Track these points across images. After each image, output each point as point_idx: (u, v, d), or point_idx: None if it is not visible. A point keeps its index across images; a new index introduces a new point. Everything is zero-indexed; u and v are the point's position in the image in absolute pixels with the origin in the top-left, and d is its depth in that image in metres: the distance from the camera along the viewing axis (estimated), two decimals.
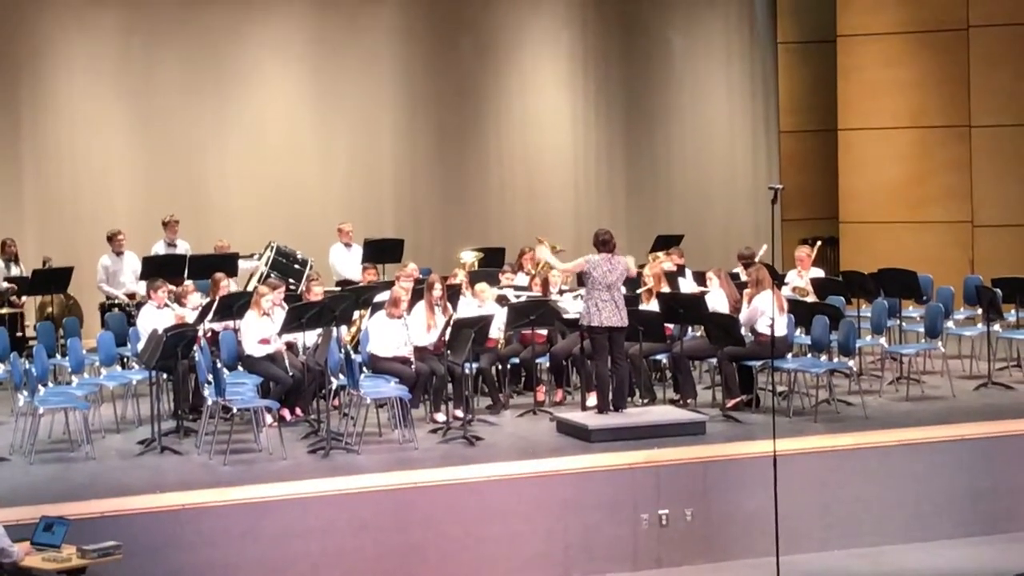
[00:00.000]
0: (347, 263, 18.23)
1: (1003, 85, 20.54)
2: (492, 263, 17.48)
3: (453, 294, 15.35)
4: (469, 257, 17.01)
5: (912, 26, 21.07)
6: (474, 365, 14.63)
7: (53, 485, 12.31)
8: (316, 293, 14.89)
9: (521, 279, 16.59)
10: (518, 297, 15.59)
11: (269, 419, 13.76)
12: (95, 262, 17.58)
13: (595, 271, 13.71)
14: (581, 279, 14.57)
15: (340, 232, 18.43)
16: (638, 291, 15.19)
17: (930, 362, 16.52)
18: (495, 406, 14.89)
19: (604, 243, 13.89)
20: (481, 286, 15.40)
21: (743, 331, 14.54)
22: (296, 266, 17.06)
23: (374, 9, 20.90)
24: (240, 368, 14.43)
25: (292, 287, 16.17)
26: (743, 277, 16.00)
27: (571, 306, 15.06)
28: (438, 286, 14.70)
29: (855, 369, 15.34)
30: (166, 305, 14.99)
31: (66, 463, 13.12)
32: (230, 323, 14.78)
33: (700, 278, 16.24)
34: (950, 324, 16.53)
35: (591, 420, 13.65)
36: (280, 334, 14.14)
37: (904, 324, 16.97)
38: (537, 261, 16.86)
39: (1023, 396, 15.32)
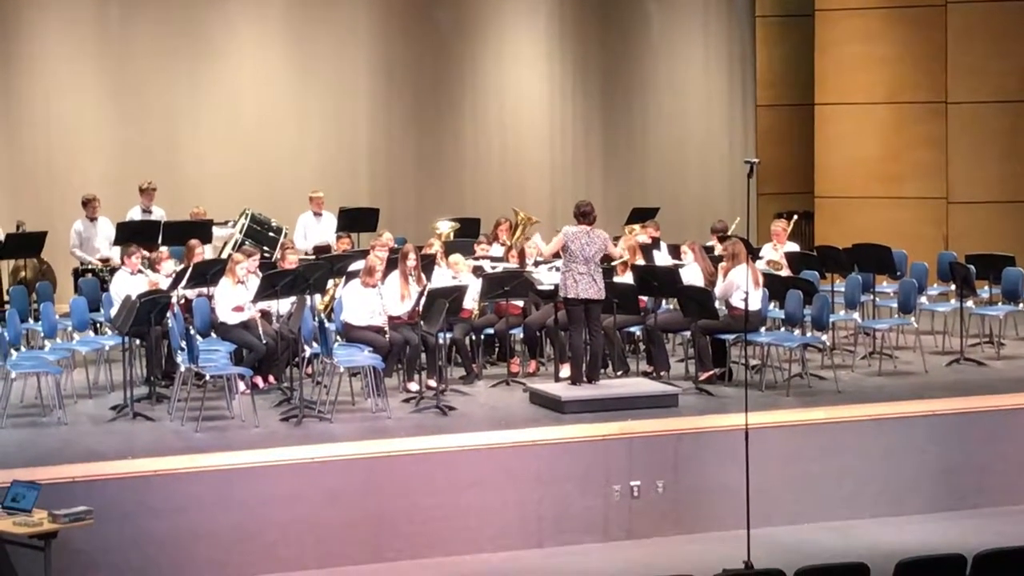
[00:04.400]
0: (314, 232, 18.16)
1: (980, 62, 20.56)
2: (467, 233, 17.45)
3: (428, 264, 15.34)
4: (445, 227, 16.99)
5: (890, 1, 21.07)
6: (448, 335, 14.63)
7: (24, 450, 12.28)
8: (291, 261, 14.87)
9: (496, 250, 16.59)
10: (493, 268, 15.59)
11: (242, 386, 13.75)
12: (69, 227, 17.48)
13: (572, 244, 13.69)
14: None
15: (311, 200, 18.35)
16: (614, 263, 15.19)
17: (903, 337, 16.58)
18: (468, 376, 14.89)
19: (584, 215, 13.85)
20: (455, 258, 15.40)
21: (717, 304, 14.57)
22: (271, 234, 17.00)
23: None
24: (213, 335, 14.42)
25: (267, 255, 16.14)
26: (717, 251, 16.03)
27: (546, 277, 15.06)
28: (412, 256, 14.68)
29: (828, 344, 15.39)
30: (140, 271, 14.97)
31: (38, 428, 13.10)
32: (204, 290, 14.75)
33: (675, 251, 16.26)
34: (923, 300, 16.58)
35: (564, 391, 13.67)
36: (254, 302, 14.12)
37: (877, 299, 17.02)
38: (513, 231, 16.88)
39: (995, 372, 15.39)
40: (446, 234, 16.75)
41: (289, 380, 14.15)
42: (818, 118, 21.72)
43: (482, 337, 15.43)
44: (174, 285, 14.64)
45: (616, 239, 15.77)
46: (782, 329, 15.42)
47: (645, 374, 14.87)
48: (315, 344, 13.89)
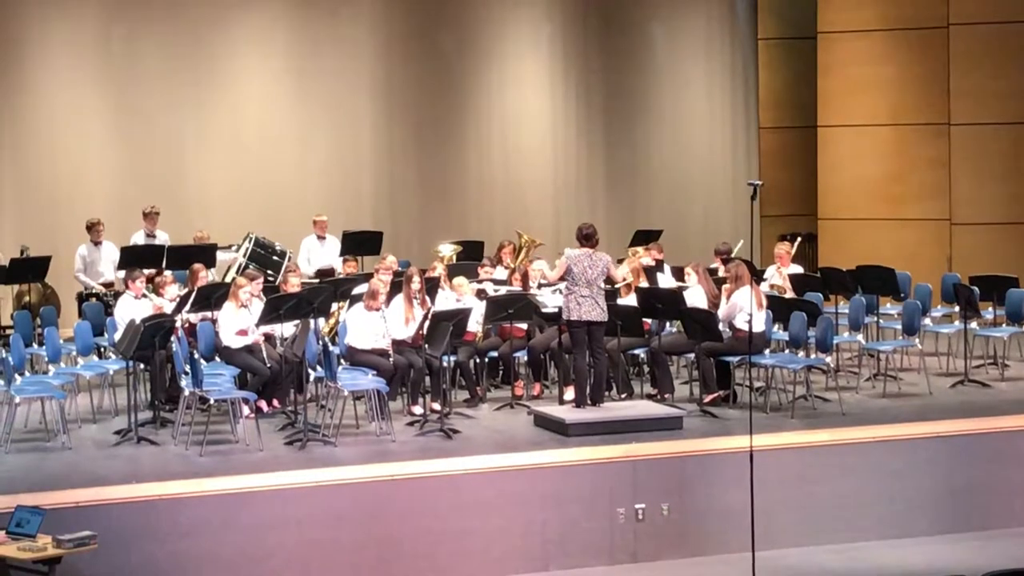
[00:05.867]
0: (318, 256, 18.18)
1: (982, 83, 20.58)
2: (471, 256, 17.47)
3: (431, 287, 15.34)
4: (447, 250, 17.01)
5: (892, 23, 21.10)
6: (452, 358, 14.63)
7: (29, 475, 12.28)
8: (294, 284, 14.87)
9: (500, 273, 16.59)
10: (497, 291, 15.59)
11: (246, 410, 13.74)
12: (73, 251, 17.52)
13: (575, 267, 13.70)
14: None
15: (315, 224, 18.38)
16: (616, 285, 15.19)
17: (907, 359, 16.56)
18: (472, 399, 14.89)
19: (587, 237, 13.87)
20: (459, 280, 15.41)
21: (721, 326, 14.56)
22: (275, 257, 17.02)
23: (355, 1, 20.86)
24: (217, 359, 14.41)
25: (270, 278, 16.14)
26: (721, 272, 16.03)
27: (550, 300, 15.07)
28: (416, 279, 14.69)
29: (832, 365, 15.37)
30: (144, 295, 14.97)
31: (42, 453, 13.09)
32: (208, 314, 14.75)
33: (679, 273, 16.25)
34: (927, 321, 16.58)
35: (568, 414, 13.66)
36: (258, 325, 14.13)
37: (881, 321, 17.01)
38: (517, 254, 16.90)
39: (999, 394, 15.37)
40: (448, 257, 16.76)
41: (293, 404, 14.15)
42: (821, 140, 21.73)
43: (486, 360, 15.42)
44: (178, 309, 14.65)
45: (620, 261, 15.79)
46: (786, 351, 15.42)
47: (649, 396, 14.86)
48: (319, 368, 13.89)
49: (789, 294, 16.11)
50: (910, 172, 21.08)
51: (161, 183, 19.52)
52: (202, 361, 13.96)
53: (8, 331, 16.28)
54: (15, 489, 11.60)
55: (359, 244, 18.27)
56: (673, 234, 19.80)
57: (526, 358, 15.30)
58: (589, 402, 13.84)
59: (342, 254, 17.81)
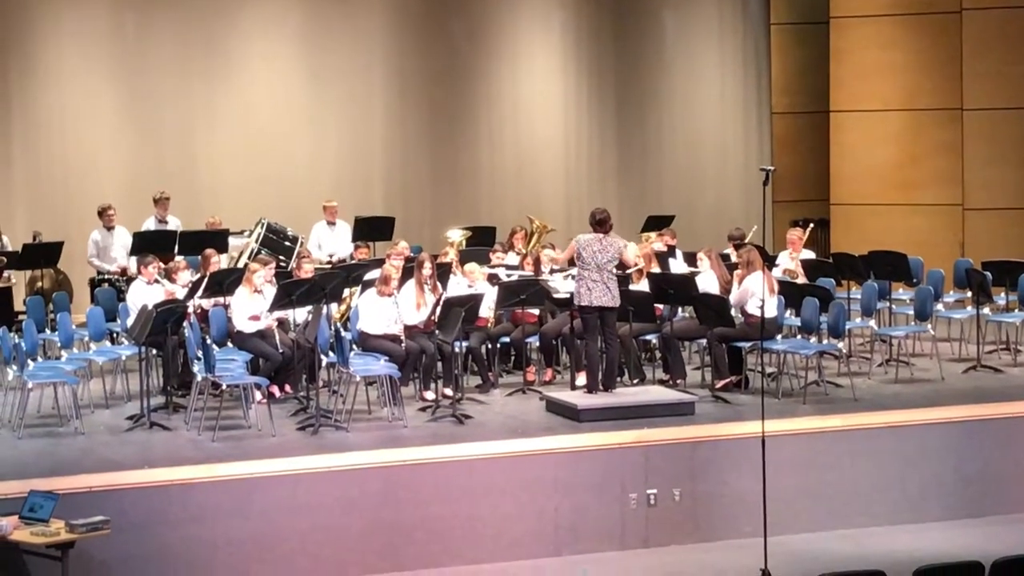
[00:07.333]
0: (328, 241, 18.19)
1: (995, 68, 20.53)
2: (482, 242, 17.46)
3: (443, 273, 15.35)
4: (456, 236, 17.01)
5: (905, 8, 21.06)
6: (464, 344, 14.64)
7: (42, 460, 12.31)
8: (306, 270, 14.89)
9: (512, 258, 16.59)
10: (509, 276, 15.59)
11: (258, 396, 13.76)
12: (85, 237, 17.55)
13: (584, 251, 13.70)
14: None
15: (325, 209, 18.39)
16: (628, 271, 15.19)
17: (919, 345, 16.54)
18: (484, 385, 14.89)
19: (600, 223, 13.86)
20: (471, 267, 15.40)
21: (733, 312, 14.55)
22: (287, 243, 17.03)
23: None
24: (230, 344, 14.43)
25: (283, 264, 16.16)
26: (733, 258, 16.02)
27: (562, 286, 15.07)
28: (428, 264, 14.69)
29: (844, 351, 15.36)
30: (156, 281, 14.98)
31: (55, 438, 13.11)
32: (220, 299, 14.76)
33: (691, 259, 16.25)
34: (940, 307, 16.54)
35: (580, 400, 13.66)
36: (270, 311, 14.14)
37: (894, 306, 16.98)
38: (529, 239, 16.91)
39: (1011, 379, 15.35)
40: (458, 242, 16.77)
41: (305, 389, 14.16)
42: (833, 125, 21.70)
43: (498, 346, 15.42)
44: (190, 295, 14.66)
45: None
46: (798, 337, 15.41)
47: (661, 382, 14.85)
48: (331, 353, 13.90)
49: (801, 280, 16.10)
50: (923, 157, 21.04)
51: (173, 169, 19.54)
52: (214, 347, 13.97)
53: (21, 317, 16.30)
54: (28, 474, 11.63)
55: (371, 230, 18.27)
56: (685, 220, 19.79)
57: (538, 344, 15.30)
58: (601, 388, 13.84)
59: (354, 240, 17.82)
